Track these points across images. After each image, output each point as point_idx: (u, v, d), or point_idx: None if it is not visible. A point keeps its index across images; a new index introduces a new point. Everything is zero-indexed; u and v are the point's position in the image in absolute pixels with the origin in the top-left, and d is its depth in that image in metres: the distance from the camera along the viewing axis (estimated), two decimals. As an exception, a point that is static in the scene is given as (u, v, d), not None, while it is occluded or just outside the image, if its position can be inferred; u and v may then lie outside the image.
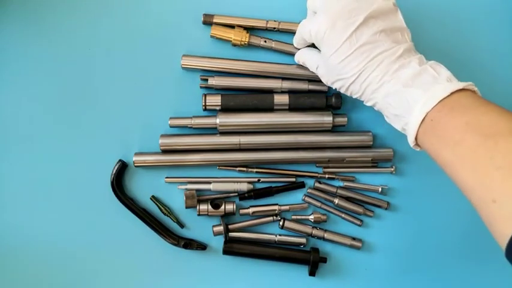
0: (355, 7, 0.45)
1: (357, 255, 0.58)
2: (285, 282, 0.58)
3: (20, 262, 0.57)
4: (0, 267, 0.57)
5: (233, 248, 0.56)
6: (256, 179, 0.57)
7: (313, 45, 0.52)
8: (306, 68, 0.54)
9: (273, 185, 0.57)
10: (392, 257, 0.58)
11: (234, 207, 0.56)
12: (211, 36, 0.55)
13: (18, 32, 0.56)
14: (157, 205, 0.57)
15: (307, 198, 0.57)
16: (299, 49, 0.54)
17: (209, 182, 0.56)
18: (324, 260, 0.56)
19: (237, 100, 0.55)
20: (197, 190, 0.56)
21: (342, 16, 0.45)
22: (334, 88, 0.49)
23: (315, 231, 0.57)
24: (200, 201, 0.56)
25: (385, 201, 0.57)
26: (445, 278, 0.59)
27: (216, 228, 0.56)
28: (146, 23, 0.56)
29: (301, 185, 0.57)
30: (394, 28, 0.46)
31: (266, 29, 0.56)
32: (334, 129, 0.56)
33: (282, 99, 0.55)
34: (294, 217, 0.57)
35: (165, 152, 0.56)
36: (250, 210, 0.57)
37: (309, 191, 0.57)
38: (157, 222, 0.57)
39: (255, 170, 0.57)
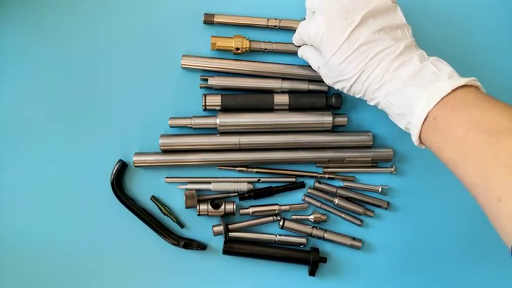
0: (353, 7, 0.44)
1: (357, 255, 0.58)
2: (285, 282, 0.58)
3: (19, 262, 0.57)
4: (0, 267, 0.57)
5: (233, 248, 0.56)
6: (256, 179, 0.57)
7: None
8: (306, 68, 0.54)
9: (273, 185, 0.57)
10: (392, 257, 0.58)
11: (234, 207, 0.56)
12: (212, 50, 0.55)
13: (18, 32, 0.56)
14: (157, 205, 0.57)
15: (307, 198, 0.57)
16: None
17: (209, 182, 0.56)
18: (324, 260, 0.56)
19: (237, 100, 0.55)
20: (197, 190, 0.56)
21: (339, 17, 0.45)
22: (336, 89, 0.49)
23: (315, 231, 0.57)
24: (200, 201, 0.56)
25: (385, 201, 0.57)
26: (445, 278, 0.59)
27: (216, 228, 0.56)
28: (146, 23, 0.56)
29: (301, 185, 0.57)
30: (394, 25, 0.45)
31: (267, 27, 0.56)
32: (334, 129, 0.56)
33: (282, 99, 0.55)
34: (294, 217, 0.57)
35: (165, 152, 0.56)
36: (250, 210, 0.57)
37: (309, 191, 0.57)
38: (157, 222, 0.57)
39: (255, 170, 0.57)
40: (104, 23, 0.56)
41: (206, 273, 0.58)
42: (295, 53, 0.55)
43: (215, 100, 0.55)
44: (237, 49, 0.54)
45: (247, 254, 0.56)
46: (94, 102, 0.56)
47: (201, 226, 0.57)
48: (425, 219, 0.58)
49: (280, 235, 0.57)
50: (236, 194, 0.57)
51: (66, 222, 0.57)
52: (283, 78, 0.56)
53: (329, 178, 0.57)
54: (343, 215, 0.57)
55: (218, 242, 0.57)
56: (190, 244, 0.56)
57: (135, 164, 0.55)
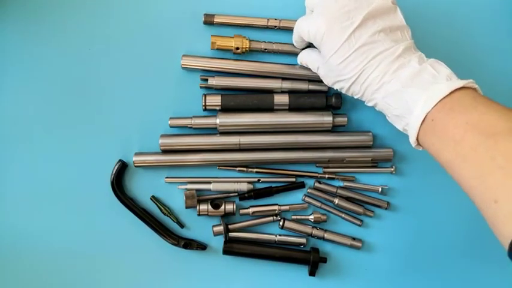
0: (353, 8, 0.45)
1: (357, 255, 0.58)
2: (285, 282, 0.58)
3: (19, 262, 0.57)
4: None
5: (233, 248, 0.56)
6: (256, 179, 0.57)
7: (312, 44, 0.52)
8: (305, 68, 0.54)
9: (273, 185, 0.57)
10: (392, 257, 0.58)
11: (234, 207, 0.56)
12: (212, 49, 0.55)
13: (18, 32, 0.56)
14: (157, 205, 0.57)
15: (307, 198, 0.57)
16: (301, 49, 0.54)
17: (209, 182, 0.56)
18: (324, 260, 0.56)
19: (237, 100, 0.55)
20: (197, 190, 0.56)
21: (340, 17, 0.45)
22: (335, 89, 0.49)
23: (315, 231, 0.57)
24: (200, 201, 0.56)
25: (385, 201, 0.57)
26: (445, 278, 0.59)
27: (216, 228, 0.56)
28: (146, 23, 0.56)
29: (301, 185, 0.57)
30: (394, 27, 0.45)
31: (267, 28, 0.56)
32: (334, 129, 0.56)
33: (282, 99, 0.55)
34: (294, 217, 0.57)
35: (165, 152, 0.56)
36: (250, 210, 0.57)
37: (309, 191, 0.57)
38: (157, 222, 0.57)
39: (255, 170, 0.57)
40: (104, 23, 0.56)
41: (206, 273, 0.58)
42: (295, 54, 0.55)
43: (215, 100, 0.55)
44: (237, 48, 0.54)
45: (247, 254, 0.56)
46: (94, 102, 0.57)
47: (201, 226, 0.57)
48: (425, 219, 0.58)
49: (280, 235, 0.57)
50: (236, 194, 0.57)
51: (66, 222, 0.57)
52: (283, 78, 0.56)
53: (329, 178, 0.57)
54: (343, 215, 0.57)
55: (218, 242, 0.57)
56: (190, 244, 0.56)
57: (135, 164, 0.55)
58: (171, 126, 0.56)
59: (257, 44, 0.55)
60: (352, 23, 0.44)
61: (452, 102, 0.40)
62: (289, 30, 0.55)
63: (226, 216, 0.57)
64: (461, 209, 0.58)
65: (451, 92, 0.40)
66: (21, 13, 0.56)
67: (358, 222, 0.57)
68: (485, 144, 0.36)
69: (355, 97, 0.48)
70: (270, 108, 0.55)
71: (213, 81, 0.55)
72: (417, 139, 0.43)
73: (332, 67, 0.47)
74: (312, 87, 0.56)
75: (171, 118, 0.56)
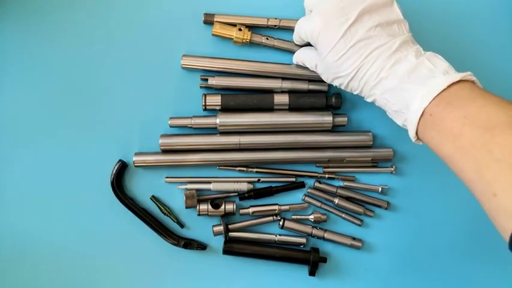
0: (348, 4, 0.44)
1: (357, 255, 0.58)
2: (285, 282, 0.58)
3: (20, 261, 0.57)
4: None
5: (233, 248, 0.56)
6: (256, 179, 0.57)
7: (309, 44, 0.52)
8: (306, 68, 0.54)
9: (273, 185, 0.57)
10: (392, 257, 0.58)
11: (234, 207, 0.56)
12: (213, 35, 0.55)
13: (18, 32, 0.56)
14: (157, 205, 0.57)
15: (307, 198, 0.57)
16: (300, 47, 0.54)
17: (209, 182, 0.56)
18: (324, 260, 0.56)
19: (237, 100, 0.55)
20: (197, 190, 0.56)
21: (335, 14, 0.45)
22: (334, 85, 0.50)
23: (315, 231, 0.57)
24: (200, 201, 0.56)
25: (385, 201, 0.57)
26: (445, 277, 0.59)
27: (216, 228, 0.56)
28: (146, 23, 0.56)
29: (301, 185, 0.57)
30: (390, 21, 0.45)
31: (267, 27, 0.56)
32: (334, 129, 0.56)
33: (282, 99, 0.55)
34: (294, 217, 0.57)
35: (165, 152, 0.55)
36: (250, 210, 0.57)
37: (309, 191, 0.57)
38: (157, 222, 0.57)
39: (255, 170, 0.57)
40: (104, 23, 0.56)
41: (206, 273, 0.58)
42: (295, 52, 0.55)
43: (215, 100, 0.55)
44: (240, 30, 0.54)
45: (247, 254, 0.56)
46: (94, 102, 0.56)
47: (201, 226, 0.57)
48: (425, 219, 0.58)
49: (280, 235, 0.57)
50: (236, 194, 0.57)
51: (66, 222, 0.57)
52: (283, 78, 0.56)
53: (329, 178, 0.57)
54: (343, 215, 0.57)
55: (218, 242, 0.57)
56: (190, 244, 0.56)
57: (135, 164, 0.55)
58: (171, 126, 0.56)
59: (258, 38, 0.55)
60: (347, 19, 0.44)
61: (450, 96, 0.40)
62: (290, 29, 0.55)
63: (226, 216, 0.57)
64: (461, 208, 0.58)
65: (449, 86, 0.40)
66: (21, 13, 0.56)
67: (358, 222, 0.57)
68: (483, 138, 0.36)
69: (354, 93, 0.48)
70: (270, 108, 0.55)
71: (213, 81, 0.55)
72: (417, 134, 0.43)
73: (329, 64, 0.47)
74: (312, 87, 0.56)
75: (171, 118, 0.56)
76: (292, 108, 0.56)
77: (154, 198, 0.57)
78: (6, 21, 0.56)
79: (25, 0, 0.56)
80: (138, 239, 0.57)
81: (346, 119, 0.56)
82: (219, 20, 0.55)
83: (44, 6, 0.56)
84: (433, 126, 0.40)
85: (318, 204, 0.57)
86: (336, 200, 0.57)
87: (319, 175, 0.57)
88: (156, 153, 0.56)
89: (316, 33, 0.46)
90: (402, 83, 0.42)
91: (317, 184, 0.57)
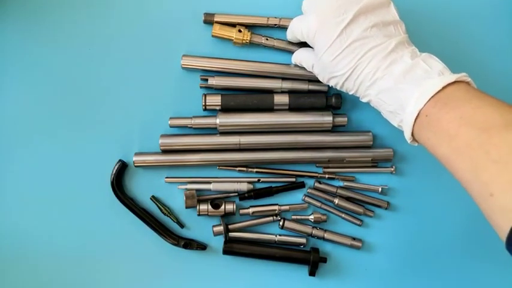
0: (344, 4, 0.44)
1: (357, 255, 0.58)
2: (285, 282, 0.58)
3: (19, 262, 0.57)
4: None
5: (233, 248, 0.56)
6: (256, 179, 0.57)
7: (307, 44, 0.52)
8: (304, 68, 0.54)
9: (273, 185, 0.57)
10: (392, 257, 0.58)
11: (234, 207, 0.56)
12: (213, 36, 0.55)
13: (18, 32, 0.56)
14: (157, 205, 0.57)
15: (307, 198, 0.57)
16: (298, 47, 0.54)
17: (209, 182, 0.56)
18: (324, 260, 0.56)
19: (237, 100, 0.55)
20: (197, 190, 0.56)
21: (331, 14, 0.45)
22: (330, 86, 0.50)
23: (315, 231, 0.57)
24: (200, 201, 0.56)
25: (385, 201, 0.57)
26: (445, 277, 0.59)
27: (216, 228, 0.56)
28: (146, 23, 0.56)
29: (301, 185, 0.57)
30: (386, 22, 0.45)
31: (267, 26, 0.56)
32: (334, 129, 0.56)
33: (282, 99, 0.55)
34: (294, 217, 0.57)
35: (165, 152, 0.55)
36: (250, 210, 0.57)
37: (309, 191, 0.57)
38: (157, 222, 0.57)
39: (255, 170, 0.57)
40: (104, 23, 0.56)
41: (206, 273, 0.58)
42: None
43: (215, 100, 0.55)
44: (239, 31, 0.54)
45: (247, 254, 0.56)
46: (94, 102, 0.56)
47: (201, 226, 0.57)
48: (425, 219, 0.58)
49: (280, 235, 0.57)
50: (236, 194, 0.57)
51: (66, 222, 0.57)
52: (283, 78, 0.56)
53: (329, 178, 0.57)
54: (343, 215, 0.57)
55: (218, 242, 0.57)
56: (190, 244, 0.56)
57: (135, 164, 0.55)
58: (171, 126, 0.56)
59: (258, 38, 0.55)
60: (343, 19, 0.44)
61: (445, 97, 0.40)
62: (289, 29, 0.55)
63: (226, 216, 0.57)
64: (461, 208, 0.58)
65: (444, 87, 0.40)
66: (21, 13, 0.56)
67: (358, 222, 0.57)
68: (480, 139, 0.36)
69: (350, 93, 0.48)
70: (270, 108, 0.55)
71: (213, 81, 0.55)
72: (413, 135, 0.43)
73: (325, 64, 0.47)
74: (312, 87, 0.56)
75: (171, 118, 0.56)
76: (292, 108, 0.56)
77: (154, 198, 0.57)
78: (6, 21, 0.56)
79: (25, 0, 0.56)
80: (138, 239, 0.57)
81: (346, 119, 0.56)
82: (219, 20, 0.55)
83: (44, 6, 0.56)
84: (429, 127, 0.40)
85: (318, 204, 0.57)
86: (336, 200, 0.57)
87: (319, 175, 0.57)
88: (156, 153, 0.56)
89: (312, 32, 0.46)
90: (397, 84, 0.42)
91: (317, 184, 0.57)
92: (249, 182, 0.57)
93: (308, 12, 0.48)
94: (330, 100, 0.56)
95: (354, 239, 0.57)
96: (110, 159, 0.56)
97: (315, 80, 0.54)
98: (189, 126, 0.55)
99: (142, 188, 0.57)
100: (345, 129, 0.57)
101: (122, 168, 0.56)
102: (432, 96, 0.40)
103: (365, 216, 0.58)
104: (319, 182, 0.57)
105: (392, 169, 0.57)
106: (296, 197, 0.58)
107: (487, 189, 0.35)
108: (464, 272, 0.59)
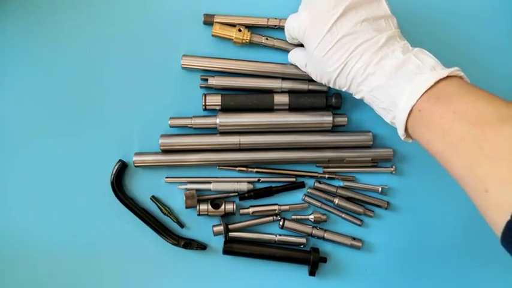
0: None
1: (357, 255, 0.58)
2: (285, 282, 0.58)
3: (19, 262, 0.57)
4: None
5: (233, 248, 0.56)
6: (256, 179, 0.57)
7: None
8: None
9: (273, 185, 0.57)
10: (392, 257, 0.58)
11: (234, 207, 0.56)
12: (213, 36, 0.55)
13: (18, 32, 0.56)
14: (157, 205, 0.57)
15: (307, 198, 0.57)
16: (296, 46, 0.54)
17: (209, 182, 0.56)
18: (324, 260, 0.56)
19: (237, 100, 0.55)
20: (197, 190, 0.56)
21: (321, 9, 0.45)
22: (324, 84, 0.50)
23: (315, 231, 0.57)
24: (200, 201, 0.56)
25: (385, 201, 0.57)
26: (445, 277, 0.59)
27: (216, 228, 0.56)
28: (146, 23, 0.56)
29: (301, 185, 0.57)
30: (377, 16, 0.45)
31: (267, 27, 0.56)
32: (334, 129, 0.56)
33: (282, 99, 0.55)
34: (294, 217, 0.57)
35: (165, 152, 0.56)
36: (250, 210, 0.57)
37: (309, 191, 0.57)
38: (157, 222, 0.57)
39: (255, 170, 0.57)
40: (103, 23, 0.56)
41: (206, 273, 0.58)
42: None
43: (215, 100, 0.55)
44: (239, 30, 0.53)
45: (247, 254, 0.56)
46: (94, 102, 0.56)
47: (201, 226, 0.57)
48: (425, 219, 0.58)
49: (280, 235, 0.57)
50: (236, 194, 0.57)
51: (66, 222, 0.57)
52: (283, 78, 0.56)
53: (329, 178, 0.57)
54: (343, 215, 0.57)
55: (218, 242, 0.57)
56: (190, 244, 0.56)
57: (135, 164, 0.55)
58: (171, 126, 0.56)
59: (258, 38, 0.55)
60: (333, 14, 0.44)
61: (438, 92, 0.40)
62: (289, 30, 0.55)
63: (226, 216, 0.57)
64: (461, 208, 0.58)
65: (437, 82, 0.40)
66: (21, 13, 0.56)
67: (358, 222, 0.57)
68: (473, 133, 0.36)
69: (343, 90, 0.48)
70: (270, 108, 0.55)
71: (213, 81, 0.55)
72: (407, 131, 0.43)
73: (317, 60, 0.46)
74: (312, 87, 0.56)
75: (171, 118, 0.56)
76: (292, 108, 0.56)
77: (154, 198, 0.57)
78: (6, 21, 0.56)
79: (25, 0, 0.56)
80: (138, 239, 0.57)
81: (346, 119, 0.56)
82: (218, 21, 0.55)
83: (44, 6, 0.56)
84: (423, 123, 0.40)
85: (318, 204, 0.57)
86: (336, 200, 0.57)
87: (319, 175, 0.57)
88: (156, 153, 0.56)
89: (302, 28, 0.46)
90: (389, 80, 0.42)
91: (317, 184, 0.57)
92: (249, 182, 0.57)
93: (301, 10, 0.48)
94: (330, 100, 0.56)
95: (354, 239, 0.57)
96: (110, 159, 0.56)
97: (315, 80, 0.54)
98: (189, 126, 0.55)
99: (142, 188, 0.57)
100: (345, 129, 0.57)
101: (122, 168, 0.56)
102: (425, 92, 0.40)
103: (365, 216, 0.58)
104: (319, 182, 0.57)
105: (392, 169, 0.57)
106: (296, 197, 0.58)
107: (482, 185, 0.35)
108: (464, 272, 0.59)
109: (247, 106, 0.55)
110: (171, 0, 0.56)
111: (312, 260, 0.55)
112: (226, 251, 0.56)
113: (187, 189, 0.56)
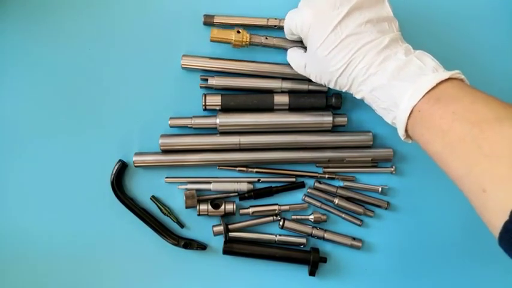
0: None
1: (357, 255, 0.58)
2: (285, 282, 0.58)
3: (19, 262, 0.57)
4: None
5: (233, 248, 0.56)
6: (256, 179, 0.57)
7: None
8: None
9: (273, 185, 0.57)
10: (392, 257, 0.58)
11: (234, 207, 0.56)
12: (211, 41, 0.54)
13: (18, 32, 0.56)
14: (157, 205, 0.57)
15: (307, 198, 0.57)
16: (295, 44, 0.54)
17: (209, 182, 0.56)
18: (324, 260, 0.56)
19: (237, 100, 0.55)
20: (197, 190, 0.56)
21: (326, 8, 0.45)
22: (323, 84, 0.49)
23: (315, 231, 0.57)
24: (200, 201, 0.56)
25: (385, 201, 0.57)
26: (445, 277, 0.59)
27: (216, 228, 0.56)
28: (146, 23, 0.56)
29: (301, 185, 0.57)
30: (381, 18, 0.45)
31: (267, 27, 0.55)
32: (334, 129, 0.56)
33: (282, 99, 0.55)
34: (294, 217, 0.57)
35: (165, 152, 0.56)
36: (250, 210, 0.57)
37: (309, 191, 0.57)
38: (157, 222, 0.57)
39: (255, 170, 0.57)
40: (103, 23, 0.56)
41: (206, 273, 0.58)
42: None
43: (215, 100, 0.55)
44: (238, 32, 0.53)
45: (247, 254, 0.56)
46: (94, 102, 0.56)
47: (201, 226, 0.57)
48: (425, 219, 0.58)
49: (280, 235, 0.57)
50: (236, 194, 0.57)
51: (66, 222, 0.57)
52: (283, 78, 0.56)
53: (329, 178, 0.57)
54: (343, 215, 0.57)
55: (218, 242, 0.57)
56: (190, 244, 0.56)
57: (135, 164, 0.55)
58: (171, 126, 0.56)
59: (257, 37, 0.55)
60: (338, 14, 0.44)
61: (439, 93, 0.40)
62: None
63: (226, 216, 0.57)
64: (461, 208, 0.58)
65: (438, 84, 0.40)
66: (21, 13, 0.56)
67: (358, 222, 0.57)
68: (472, 133, 0.36)
69: (343, 90, 0.48)
70: (270, 108, 0.55)
71: (213, 81, 0.55)
72: (407, 132, 0.43)
73: (319, 59, 0.46)
74: (312, 87, 0.56)
75: (171, 118, 0.56)
76: (292, 109, 0.56)
77: (154, 198, 0.57)
78: (6, 21, 0.56)
79: (25, 0, 0.56)
80: (138, 239, 0.57)
81: (346, 119, 0.56)
82: (218, 22, 0.55)
83: (44, 6, 0.56)
84: (422, 123, 0.40)
85: (318, 204, 0.57)
86: (336, 200, 0.57)
87: (319, 175, 0.57)
88: (156, 153, 0.56)
89: (306, 26, 0.46)
90: (391, 81, 0.42)
91: (317, 184, 0.57)
92: (249, 182, 0.57)
93: (303, 5, 0.48)
94: (330, 100, 0.56)
95: (354, 239, 0.57)
96: (110, 159, 0.56)
97: (314, 81, 0.54)
98: (189, 126, 0.55)
99: (142, 188, 0.57)
100: (345, 129, 0.57)
101: (122, 168, 0.56)
102: (426, 93, 0.40)
103: (365, 216, 0.58)
104: (319, 182, 0.57)
105: (392, 169, 0.57)
106: (296, 197, 0.58)
107: (479, 185, 0.35)
108: (464, 272, 0.59)
109: (247, 106, 0.55)
110: (171, 0, 0.56)
111: (312, 260, 0.55)
112: (226, 251, 0.56)
113: (187, 189, 0.56)
